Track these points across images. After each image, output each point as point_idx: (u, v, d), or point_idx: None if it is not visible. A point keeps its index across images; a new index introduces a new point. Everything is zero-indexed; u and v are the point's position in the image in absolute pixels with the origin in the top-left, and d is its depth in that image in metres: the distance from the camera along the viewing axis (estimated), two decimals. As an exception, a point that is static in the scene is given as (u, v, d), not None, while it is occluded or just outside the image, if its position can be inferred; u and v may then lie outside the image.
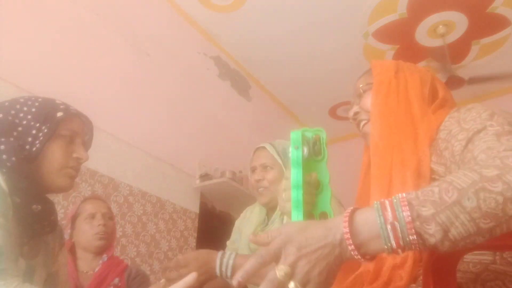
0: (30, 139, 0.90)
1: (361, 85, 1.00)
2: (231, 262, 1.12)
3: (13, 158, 0.85)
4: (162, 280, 0.84)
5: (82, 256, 1.61)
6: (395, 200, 0.55)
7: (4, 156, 0.85)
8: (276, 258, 0.56)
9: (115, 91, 2.34)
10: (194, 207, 2.72)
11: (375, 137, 0.88)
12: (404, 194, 0.56)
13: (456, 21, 2.97)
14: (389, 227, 0.54)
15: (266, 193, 1.47)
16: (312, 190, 0.77)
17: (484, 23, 2.98)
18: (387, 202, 0.56)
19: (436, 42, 3.15)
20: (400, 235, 0.53)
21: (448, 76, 3.07)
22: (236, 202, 2.91)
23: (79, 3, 2.23)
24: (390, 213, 0.54)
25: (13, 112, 0.92)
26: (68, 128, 0.97)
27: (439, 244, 0.53)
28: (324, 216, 0.74)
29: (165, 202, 2.49)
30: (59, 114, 0.95)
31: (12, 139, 0.88)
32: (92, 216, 1.61)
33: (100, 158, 2.14)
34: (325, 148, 0.79)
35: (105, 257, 1.61)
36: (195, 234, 2.67)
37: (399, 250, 0.55)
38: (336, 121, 4.25)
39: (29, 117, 0.92)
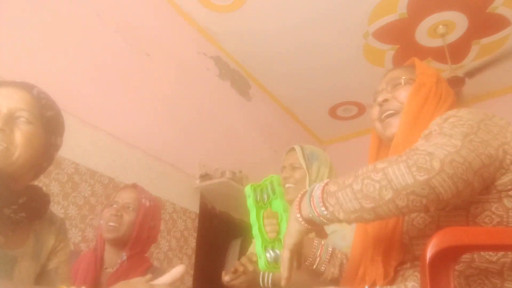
0: None
1: (403, 77, 1.00)
2: (271, 274, 1.29)
3: None
4: (148, 276, 0.87)
5: (107, 249, 1.49)
6: (318, 183, 0.76)
7: None
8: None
9: (115, 91, 2.34)
10: (194, 207, 2.72)
11: (399, 134, 0.90)
12: (327, 180, 0.76)
13: (456, 21, 2.97)
14: (310, 199, 0.75)
15: (291, 191, 1.54)
16: (273, 221, 1.01)
17: (484, 23, 2.98)
18: (316, 184, 0.77)
19: (436, 42, 3.15)
20: (315, 205, 0.74)
21: (448, 77, 3.07)
22: (236, 202, 2.91)
23: (79, 3, 2.24)
24: (316, 189, 0.75)
25: None
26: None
27: (336, 213, 0.71)
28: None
29: (165, 202, 2.49)
30: None
31: None
32: (114, 204, 1.50)
33: (100, 158, 2.14)
34: (277, 189, 1.04)
35: (124, 255, 1.46)
36: (195, 234, 2.67)
37: (321, 218, 0.74)
38: (336, 121, 4.25)
39: None
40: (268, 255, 0.89)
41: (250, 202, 1.00)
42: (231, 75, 3.40)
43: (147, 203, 1.57)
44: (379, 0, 2.80)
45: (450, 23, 2.99)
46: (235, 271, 1.37)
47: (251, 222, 0.97)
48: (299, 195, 0.79)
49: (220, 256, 3.00)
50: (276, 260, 0.90)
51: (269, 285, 1.29)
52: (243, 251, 2.68)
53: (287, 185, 1.58)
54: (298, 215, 0.77)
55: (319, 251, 1.08)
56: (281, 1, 2.83)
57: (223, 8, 2.90)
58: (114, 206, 1.51)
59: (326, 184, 0.74)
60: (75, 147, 2.01)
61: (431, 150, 0.66)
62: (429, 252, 0.54)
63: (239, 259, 1.53)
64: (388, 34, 3.09)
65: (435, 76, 0.96)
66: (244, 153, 3.27)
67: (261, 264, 0.87)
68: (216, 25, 3.07)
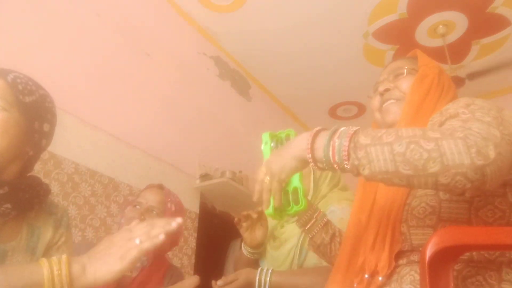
0: None
1: (406, 67, 1.00)
2: (268, 279, 1.27)
3: None
4: (135, 221, 0.85)
5: None
6: (346, 128, 0.70)
7: None
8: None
9: (115, 91, 2.34)
10: (194, 207, 2.72)
11: (402, 124, 0.89)
12: (354, 127, 0.70)
13: (456, 21, 2.97)
14: (331, 143, 0.69)
15: None
16: None
17: (484, 23, 2.98)
18: (340, 128, 0.71)
19: (436, 42, 3.15)
20: (336, 151, 0.68)
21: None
22: (236, 202, 2.91)
23: (79, 3, 2.24)
24: (337, 133, 0.70)
25: None
26: None
27: (361, 168, 0.65)
28: (295, 190, 0.95)
29: (165, 202, 2.49)
30: None
31: None
32: (137, 205, 1.44)
33: (100, 158, 2.14)
34: None
35: (144, 260, 1.38)
36: (195, 234, 2.67)
37: (335, 166, 0.69)
38: (336, 121, 4.24)
39: None
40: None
41: (266, 149, 1.00)
42: (231, 75, 3.40)
43: (173, 208, 1.49)
44: (379, 0, 2.80)
45: (450, 23, 2.99)
46: (239, 222, 1.42)
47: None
48: (311, 133, 0.74)
49: (220, 256, 3.00)
50: (280, 210, 0.91)
51: None
52: (243, 251, 2.68)
53: None
54: (309, 155, 0.72)
55: (316, 213, 1.09)
56: (281, 1, 2.83)
57: (223, 8, 2.90)
58: (137, 207, 1.43)
59: (355, 133, 0.67)
60: (75, 147, 2.01)
61: (485, 135, 0.61)
62: (429, 251, 0.54)
63: None
64: (388, 34, 3.09)
65: (437, 68, 0.97)
66: (244, 153, 3.27)
67: (269, 209, 0.87)
68: (216, 25, 3.07)
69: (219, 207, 3.01)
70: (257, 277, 1.28)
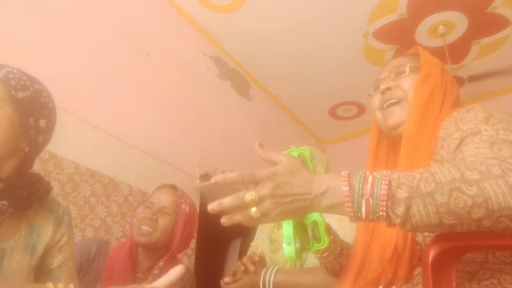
0: None
1: (408, 64, 0.96)
2: (272, 278, 1.28)
3: None
4: (143, 284, 0.82)
5: (139, 252, 1.40)
6: (378, 176, 0.61)
7: None
8: (254, 183, 0.65)
9: (115, 91, 2.34)
10: (194, 207, 2.72)
11: (411, 125, 0.86)
12: (388, 172, 0.61)
13: (456, 21, 2.97)
14: (363, 201, 0.60)
15: None
16: None
17: (484, 23, 2.98)
18: (370, 177, 0.61)
19: (436, 42, 3.15)
20: (371, 210, 0.60)
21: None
22: (236, 202, 2.91)
23: (79, 3, 2.23)
24: (369, 187, 0.60)
25: None
26: None
27: (402, 225, 0.59)
28: (315, 225, 0.80)
29: (165, 202, 2.49)
30: None
31: None
32: (150, 206, 1.42)
33: (100, 158, 2.14)
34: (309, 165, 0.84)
35: (161, 265, 1.36)
36: (195, 234, 2.67)
37: (368, 219, 0.61)
38: (336, 121, 4.25)
39: None
40: (298, 244, 0.75)
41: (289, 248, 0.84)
42: (231, 75, 3.40)
43: (187, 209, 1.47)
44: (379, 0, 2.80)
45: (450, 23, 2.99)
46: (234, 274, 1.35)
47: None
48: (342, 177, 0.63)
49: (220, 256, 3.00)
50: (301, 250, 0.77)
51: None
52: (243, 251, 2.68)
53: None
54: (348, 206, 0.61)
55: (339, 246, 1.02)
56: (281, 1, 2.83)
57: (223, 8, 2.90)
58: (149, 207, 1.41)
59: (389, 184, 0.59)
60: (75, 147, 2.00)
61: None
62: (432, 252, 0.54)
63: (239, 259, 1.53)
64: (388, 34, 3.09)
65: (440, 66, 0.94)
66: (244, 153, 3.26)
67: (291, 253, 0.72)
68: (216, 25, 3.07)
69: (219, 207, 3.00)
70: (262, 276, 1.29)
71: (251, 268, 1.35)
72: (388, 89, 0.96)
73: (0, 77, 0.91)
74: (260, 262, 1.38)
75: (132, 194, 2.28)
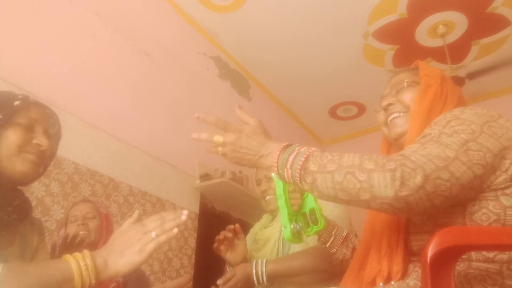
0: None
1: (406, 80, 1.00)
2: (264, 268, 1.32)
3: None
4: (136, 212, 0.92)
5: None
6: (302, 150, 0.78)
7: None
8: (225, 131, 0.92)
9: (115, 91, 2.34)
10: (194, 207, 2.72)
11: (412, 136, 0.89)
12: (313, 149, 0.79)
13: (456, 21, 2.97)
14: (285, 169, 0.79)
15: (273, 202, 1.59)
16: (297, 195, 1.04)
17: (484, 23, 2.98)
18: (295, 151, 0.79)
19: (436, 42, 3.15)
20: (290, 175, 0.78)
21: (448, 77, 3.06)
22: (236, 202, 2.91)
23: (79, 3, 2.24)
24: (292, 158, 0.78)
25: None
26: (26, 116, 0.97)
27: (309, 191, 0.77)
28: (312, 211, 0.99)
29: (165, 202, 2.49)
30: (16, 102, 0.96)
31: None
32: (76, 219, 1.63)
33: (100, 158, 2.14)
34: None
35: None
36: (195, 234, 2.67)
37: (289, 181, 0.79)
38: (336, 121, 4.25)
39: None
40: (292, 226, 0.91)
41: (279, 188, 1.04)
42: (231, 75, 3.40)
43: (104, 211, 1.72)
44: (379, 0, 2.80)
45: (450, 23, 2.99)
46: (218, 248, 1.48)
47: (277, 195, 1.00)
48: (278, 150, 0.82)
49: (220, 256, 3.00)
50: (299, 232, 0.92)
51: (264, 281, 1.31)
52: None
53: (267, 197, 1.64)
54: (275, 169, 0.81)
55: (335, 230, 1.11)
56: (281, 1, 2.83)
57: (223, 8, 2.90)
58: (74, 220, 1.61)
59: (307, 159, 0.76)
60: (75, 147, 2.00)
61: (421, 163, 0.67)
62: (430, 251, 0.54)
63: None
64: (388, 34, 3.09)
65: (439, 76, 0.97)
66: (244, 153, 3.26)
67: (287, 234, 0.88)
68: (216, 25, 3.07)
69: (219, 207, 3.01)
70: (254, 269, 1.32)
71: (229, 234, 1.46)
72: (390, 105, 1.00)
73: None
74: (238, 231, 1.50)
75: (132, 194, 2.28)
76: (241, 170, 2.90)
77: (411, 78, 1.01)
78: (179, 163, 2.66)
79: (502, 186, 0.72)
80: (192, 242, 2.63)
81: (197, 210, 2.74)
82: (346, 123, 4.26)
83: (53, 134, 1.06)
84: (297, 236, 0.91)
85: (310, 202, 0.96)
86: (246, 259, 1.48)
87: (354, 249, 1.09)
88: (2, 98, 0.96)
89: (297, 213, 1.00)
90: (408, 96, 0.97)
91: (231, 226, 1.50)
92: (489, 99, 3.71)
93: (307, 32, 3.08)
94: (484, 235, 0.60)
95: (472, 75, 3.17)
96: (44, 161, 1.02)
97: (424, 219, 0.78)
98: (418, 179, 0.65)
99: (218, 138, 0.89)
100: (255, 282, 1.32)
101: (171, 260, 2.43)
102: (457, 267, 0.70)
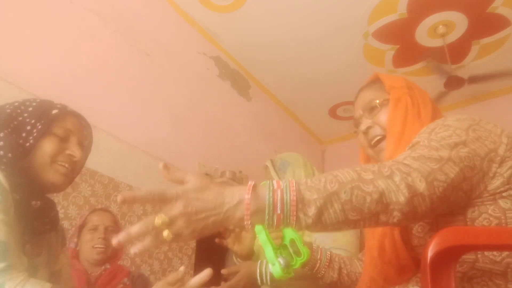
0: (24, 134, 0.92)
1: (377, 100, 0.97)
2: (268, 270, 1.29)
3: (9, 154, 0.87)
4: (182, 268, 0.92)
5: (85, 265, 1.64)
6: (285, 184, 0.62)
7: (1, 153, 0.86)
8: (163, 204, 0.62)
9: (115, 91, 2.34)
10: (194, 207, 2.72)
11: (388, 155, 0.88)
12: (289, 180, 0.63)
13: (456, 21, 2.97)
14: (275, 215, 0.61)
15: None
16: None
17: (484, 23, 2.98)
18: (278, 190, 0.61)
19: (436, 42, 3.15)
20: (282, 218, 0.61)
21: (448, 77, 3.07)
22: (236, 202, 2.91)
23: (79, 3, 2.23)
24: (279, 194, 0.61)
25: (10, 108, 0.94)
26: (62, 126, 0.99)
27: (313, 225, 0.61)
28: (293, 242, 0.89)
29: (165, 202, 2.49)
30: (54, 111, 0.97)
31: (6, 133, 0.89)
32: (95, 228, 1.64)
33: (100, 158, 2.14)
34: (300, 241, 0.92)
35: (107, 265, 1.64)
36: (195, 234, 2.67)
37: (279, 225, 0.62)
38: (336, 121, 4.25)
39: (26, 114, 0.94)
40: (281, 261, 0.83)
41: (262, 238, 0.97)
42: (231, 75, 3.40)
43: (120, 224, 1.79)
44: (379, 0, 2.80)
45: (450, 23, 2.99)
46: (223, 238, 1.44)
47: (255, 231, 0.90)
48: (249, 189, 0.62)
49: (220, 256, 2.99)
50: (287, 266, 0.85)
51: (267, 281, 1.30)
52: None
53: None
54: (247, 222, 0.61)
55: (319, 254, 1.09)
56: (281, 1, 2.83)
57: (223, 8, 2.90)
58: (94, 229, 1.64)
59: (298, 190, 0.61)
60: (75, 147, 2.00)
61: (416, 165, 0.65)
62: (430, 252, 0.54)
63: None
64: (388, 34, 3.09)
65: (405, 85, 0.95)
66: (244, 153, 3.27)
67: (277, 271, 0.81)
68: (216, 25, 3.07)
69: (219, 207, 3.01)
70: (258, 269, 1.31)
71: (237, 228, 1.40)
72: (369, 128, 0.98)
73: None
74: None
75: (132, 194, 2.28)
76: (241, 170, 2.90)
77: (381, 95, 0.98)
78: (179, 163, 2.66)
79: (501, 189, 0.71)
80: (192, 242, 2.63)
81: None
82: (346, 123, 4.26)
83: (86, 146, 1.09)
84: (286, 271, 0.83)
85: (289, 232, 0.90)
86: (252, 251, 1.47)
87: (340, 270, 1.08)
88: (42, 107, 0.97)
89: (280, 246, 0.91)
90: (383, 117, 0.95)
91: None
92: (489, 99, 3.71)
93: (307, 32, 3.08)
94: (484, 235, 0.60)
95: (473, 80, 3.17)
96: (74, 172, 1.03)
97: (426, 230, 0.77)
98: (418, 181, 0.63)
99: (160, 218, 0.60)
100: (259, 282, 1.32)
101: (171, 260, 2.43)
102: (459, 268, 0.70)
